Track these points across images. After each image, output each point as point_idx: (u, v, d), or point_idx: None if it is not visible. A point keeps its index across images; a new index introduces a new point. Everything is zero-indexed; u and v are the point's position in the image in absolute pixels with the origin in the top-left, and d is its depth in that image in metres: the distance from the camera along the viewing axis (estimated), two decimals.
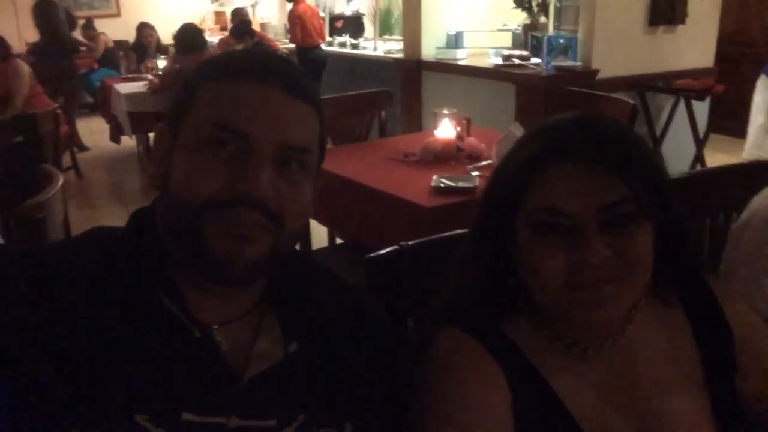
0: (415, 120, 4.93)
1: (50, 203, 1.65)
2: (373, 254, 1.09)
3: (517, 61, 4.21)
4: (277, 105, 0.71)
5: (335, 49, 7.09)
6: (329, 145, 3.15)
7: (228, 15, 8.80)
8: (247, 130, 0.69)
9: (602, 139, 0.77)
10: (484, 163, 2.44)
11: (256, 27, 7.21)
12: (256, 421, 0.71)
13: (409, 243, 1.11)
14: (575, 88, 3.28)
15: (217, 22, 9.77)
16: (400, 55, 5.32)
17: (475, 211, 0.87)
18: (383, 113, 3.26)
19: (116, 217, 4.46)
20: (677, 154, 4.26)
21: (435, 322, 0.86)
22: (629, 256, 0.76)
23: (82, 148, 6.44)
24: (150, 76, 5.64)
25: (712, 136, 4.52)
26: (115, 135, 6.02)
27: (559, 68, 3.92)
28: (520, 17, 4.91)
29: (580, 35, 4.02)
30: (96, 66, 7.73)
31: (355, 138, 3.18)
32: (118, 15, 9.56)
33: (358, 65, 6.44)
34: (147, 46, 6.97)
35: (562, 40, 4.06)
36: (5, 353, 0.65)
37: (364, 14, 8.09)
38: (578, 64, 3.96)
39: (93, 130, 6.89)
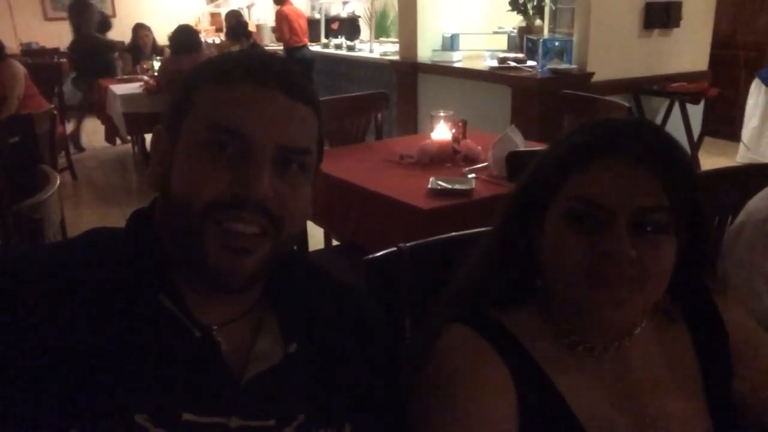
0: (411, 122, 4.94)
1: (48, 204, 1.65)
2: (371, 256, 1.09)
3: (513, 64, 4.23)
4: (276, 107, 0.71)
5: (331, 50, 7.09)
6: (326, 147, 3.16)
7: (223, 16, 8.81)
8: (247, 132, 0.69)
9: (652, 144, 0.78)
10: (479, 165, 2.45)
11: (251, 29, 7.20)
12: (255, 421, 0.71)
13: (408, 245, 1.12)
14: (571, 91, 3.29)
15: (212, 23, 9.75)
16: (395, 57, 5.32)
17: (506, 199, 0.88)
18: (379, 115, 3.27)
19: (111, 218, 4.45)
20: None
21: (441, 319, 0.87)
22: (651, 264, 0.76)
23: (80, 148, 6.46)
24: (146, 78, 5.64)
25: (706, 139, 4.54)
26: (111, 136, 6.01)
27: (554, 71, 3.94)
28: (515, 20, 4.93)
29: (575, 38, 4.04)
30: None
31: (351, 140, 3.19)
32: (113, 16, 9.54)
33: (353, 67, 6.44)
34: (142, 47, 6.96)
35: (557, 43, 4.07)
36: (5, 355, 0.65)
37: (359, 16, 8.09)
38: (573, 67, 3.98)
39: (88, 131, 6.87)
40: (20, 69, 4.84)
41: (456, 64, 4.63)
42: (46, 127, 3.61)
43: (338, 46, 7.02)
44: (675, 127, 4.29)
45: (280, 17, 6.82)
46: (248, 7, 8.91)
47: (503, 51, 4.74)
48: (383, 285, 1.08)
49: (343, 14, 8.12)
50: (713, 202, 1.68)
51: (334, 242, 2.81)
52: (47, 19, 9.42)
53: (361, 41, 7.21)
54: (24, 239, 1.57)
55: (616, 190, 0.76)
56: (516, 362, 0.82)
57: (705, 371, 0.88)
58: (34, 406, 0.64)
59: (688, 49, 4.39)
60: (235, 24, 6.52)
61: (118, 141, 6.21)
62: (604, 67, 4.00)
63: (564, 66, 3.97)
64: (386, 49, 6.18)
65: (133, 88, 5.45)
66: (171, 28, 5.44)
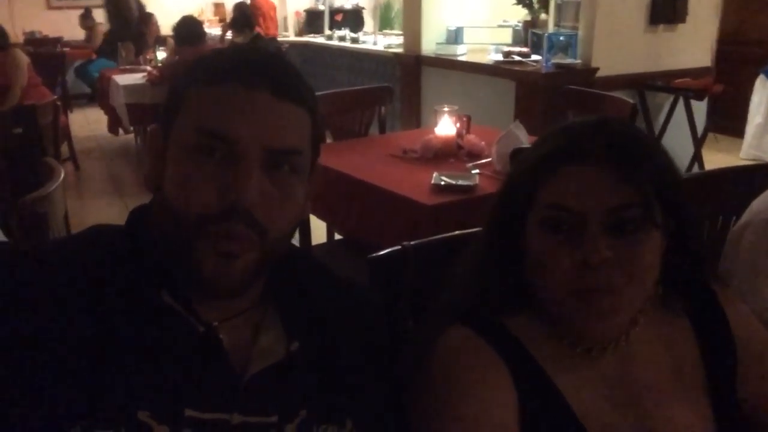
0: (415, 116, 4.94)
1: (52, 197, 1.65)
2: (375, 254, 1.09)
3: (517, 58, 4.22)
4: (263, 108, 0.70)
5: (335, 42, 7.07)
6: (329, 140, 3.15)
7: (227, 7, 8.78)
8: (233, 136, 0.68)
9: (614, 142, 0.79)
10: (483, 161, 2.44)
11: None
12: (257, 418, 0.72)
13: (412, 243, 1.11)
14: (575, 86, 3.28)
15: (216, 13, 9.73)
16: (400, 50, 5.31)
17: (489, 209, 0.89)
18: (383, 109, 3.26)
19: (114, 209, 4.46)
20: (675, 154, 4.20)
21: (441, 320, 0.87)
22: (632, 264, 0.77)
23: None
24: (149, 68, 5.62)
25: (710, 136, 4.53)
26: (114, 126, 6.00)
27: (558, 66, 3.93)
28: (520, 14, 4.91)
29: (580, 33, 4.02)
30: (94, 56, 7.70)
31: (354, 133, 3.18)
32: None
33: (357, 60, 6.43)
34: (147, 37, 6.95)
35: (562, 38, 4.06)
36: (7, 352, 0.65)
37: (363, 8, 8.07)
38: (578, 61, 3.97)
39: (90, 121, 6.88)
40: (23, 58, 4.83)
41: (460, 58, 4.62)
42: (49, 117, 3.62)
43: (342, 38, 6.99)
44: (679, 123, 4.29)
45: (254, 8, 6.87)
46: None
47: (508, 45, 4.72)
48: (386, 283, 1.09)
49: (348, 6, 8.10)
50: (716, 202, 1.68)
51: (337, 236, 2.82)
52: (50, 8, 9.38)
53: (365, 33, 7.19)
54: (28, 233, 1.57)
55: (584, 193, 0.77)
56: (517, 363, 0.82)
57: (709, 371, 0.88)
58: (36, 404, 0.64)
59: (694, 45, 4.37)
60: (239, 15, 6.49)
61: (121, 131, 6.20)
62: (609, 62, 3.98)
63: (568, 61, 3.96)
64: (390, 42, 6.16)
65: (136, 78, 5.43)
66: (175, 18, 5.42)
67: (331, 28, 7.64)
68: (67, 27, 8.67)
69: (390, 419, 0.82)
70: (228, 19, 6.89)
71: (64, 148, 3.81)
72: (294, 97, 0.72)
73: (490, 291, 0.86)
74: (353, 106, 3.21)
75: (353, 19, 7.77)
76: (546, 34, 4.10)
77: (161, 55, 6.01)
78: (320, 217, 2.57)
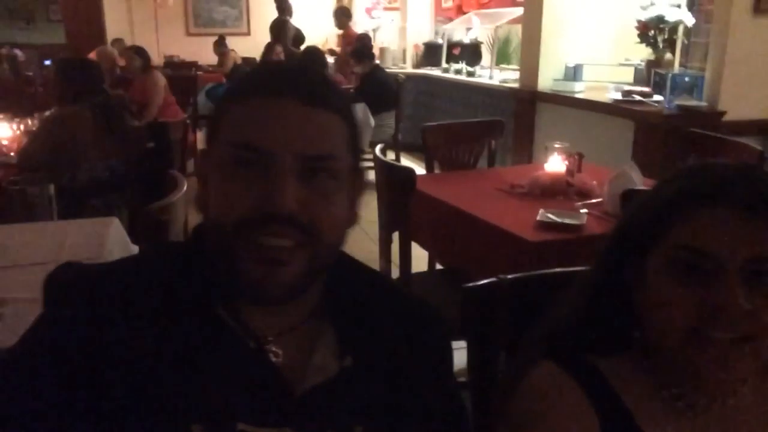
0: (526, 151, 4.87)
1: (175, 207, 1.78)
2: (470, 284, 1.09)
3: (638, 98, 4.07)
4: (292, 116, 0.70)
5: (450, 75, 7.13)
6: (436, 171, 3.17)
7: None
8: (266, 146, 0.69)
9: (761, 189, 0.75)
10: (594, 200, 2.38)
11: (375, 51, 7.38)
12: None
13: (508, 276, 1.11)
14: (698, 130, 3.13)
15: (339, 44, 10.10)
16: (515, 85, 5.29)
17: (602, 246, 0.86)
18: (494, 142, 3.26)
19: None
20: None
21: (533, 354, 0.86)
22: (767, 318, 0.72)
23: None
24: None
25: None
26: None
27: (682, 107, 3.76)
28: (643, 52, 4.75)
29: (707, 74, 3.84)
30: (224, 80, 8.20)
31: (463, 165, 3.19)
32: (248, 34, 10.14)
33: (472, 93, 6.45)
34: None
35: (687, 78, 3.89)
36: (73, 366, 0.68)
37: (482, 42, 8.10)
38: (703, 104, 3.78)
39: None
40: (161, 79, 5.24)
41: (577, 95, 4.53)
42: (179, 134, 3.88)
43: (458, 71, 7.05)
44: None
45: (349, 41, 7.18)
46: (374, 30, 9.14)
47: (629, 84, 4.58)
48: (479, 314, 1.08)
49: (466, 40, 8.16)
50: None
51: (438, 266, 2.82)
52: (189, 34, 10.16)
53: (482, 67, 7.20)
54: (150, 237, 1.69)
55: (726, 240, 0.73)
56: (606, 409, 0.79)
57: None
58: (95, 415, 0.67)
59: None
60: (361, 46, 6.72)
61: None
62: (738, 106, 3.77)
63: (693, 102, 3.78)
64: (506, 77, 6.15)
65: None
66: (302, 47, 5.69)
67: (448, 62, 7.71)
68: (202, 52, 9.31)
69: None
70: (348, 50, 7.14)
71: (190, 164, 4.06)
72: (323, 102, 0.72)
73: (595, 329, 0.83)
74: (463, 138, 3.23)
75: (471, 52, 7.80)
76: (670, 74, 3.94)
77: None
78: (422, 245, 2.59)
